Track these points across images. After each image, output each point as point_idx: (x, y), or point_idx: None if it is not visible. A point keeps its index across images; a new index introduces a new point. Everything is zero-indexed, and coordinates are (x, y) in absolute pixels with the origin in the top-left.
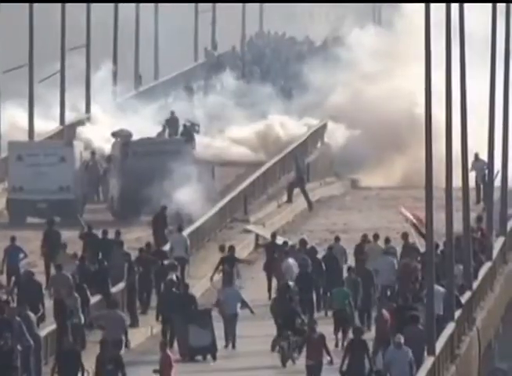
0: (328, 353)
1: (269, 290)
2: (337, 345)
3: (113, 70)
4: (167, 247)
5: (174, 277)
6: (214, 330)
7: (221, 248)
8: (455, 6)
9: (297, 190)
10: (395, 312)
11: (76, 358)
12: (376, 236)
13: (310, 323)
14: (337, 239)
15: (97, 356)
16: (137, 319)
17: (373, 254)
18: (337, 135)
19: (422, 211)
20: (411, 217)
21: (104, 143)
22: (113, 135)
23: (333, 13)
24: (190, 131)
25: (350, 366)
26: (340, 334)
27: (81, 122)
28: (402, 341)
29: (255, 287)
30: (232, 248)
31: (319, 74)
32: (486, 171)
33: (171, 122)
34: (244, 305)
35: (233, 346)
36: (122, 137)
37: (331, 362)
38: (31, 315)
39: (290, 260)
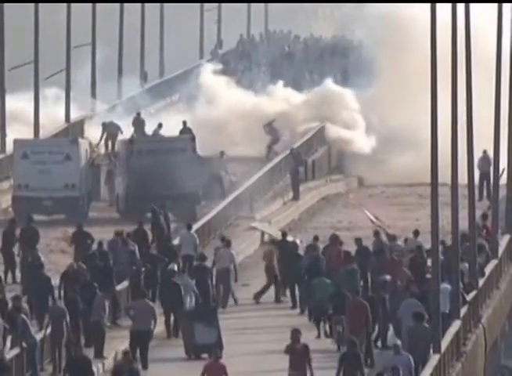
0: (310, 366)
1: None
2: (319, 336)
3: (119, 68)
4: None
5: (174, 267)
6: (220, 328)
7: (223, 239)
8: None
9: (303, 187)
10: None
11: (86, 366)
12: (416, 232)
13: (294, 333)
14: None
15: (113, 366)
16: None
17: None
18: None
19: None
20: (372, 217)
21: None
22: (103, 125)
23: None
24: (190, 129)
25: None
26: (321, 325)
27: (86, 120)
28: (400, 346)
29: (260, 285)
30: (228, 241)
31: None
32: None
33: (137, 123)
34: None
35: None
36: (110, 129)
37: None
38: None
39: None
